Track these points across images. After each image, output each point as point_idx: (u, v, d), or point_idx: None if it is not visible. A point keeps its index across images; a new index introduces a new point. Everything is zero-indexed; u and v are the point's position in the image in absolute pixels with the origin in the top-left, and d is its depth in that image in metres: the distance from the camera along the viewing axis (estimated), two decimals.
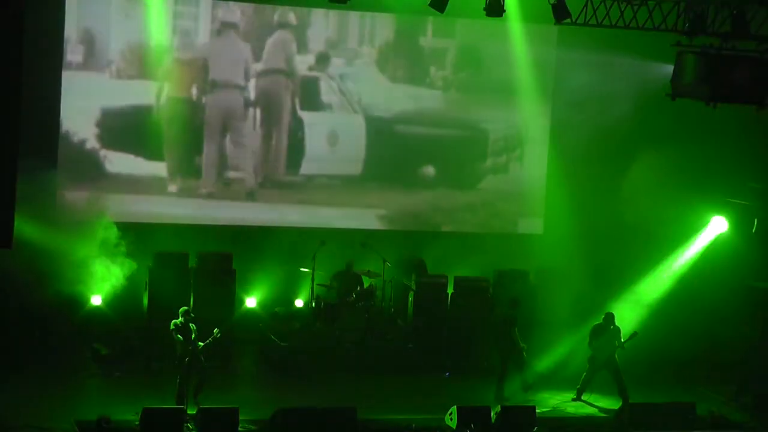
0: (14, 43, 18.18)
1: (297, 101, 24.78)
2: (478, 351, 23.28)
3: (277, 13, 24.39)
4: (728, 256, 23.90)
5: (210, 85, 24.19)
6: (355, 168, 25.29)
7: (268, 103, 24.61)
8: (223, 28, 24.20)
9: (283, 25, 24.52)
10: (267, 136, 24.66)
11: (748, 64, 17.52)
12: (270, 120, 24.65)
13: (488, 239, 25.20)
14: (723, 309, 23.96)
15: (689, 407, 20.97)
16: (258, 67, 24.43)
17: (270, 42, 24.45)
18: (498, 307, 22.79)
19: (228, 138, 24.46)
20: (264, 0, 24.20)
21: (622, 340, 21.68)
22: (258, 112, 24.57)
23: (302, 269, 23.57)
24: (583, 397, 21.94)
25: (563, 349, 22.91)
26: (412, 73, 25.50)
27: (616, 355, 21.69)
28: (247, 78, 24.41)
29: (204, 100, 24.22)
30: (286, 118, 24.75)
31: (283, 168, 24.82)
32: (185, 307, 20.13)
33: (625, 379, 21.71)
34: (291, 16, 24.52)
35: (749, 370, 22.88)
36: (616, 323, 21.83)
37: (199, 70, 24.15)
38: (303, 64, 24.74)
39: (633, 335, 21.68)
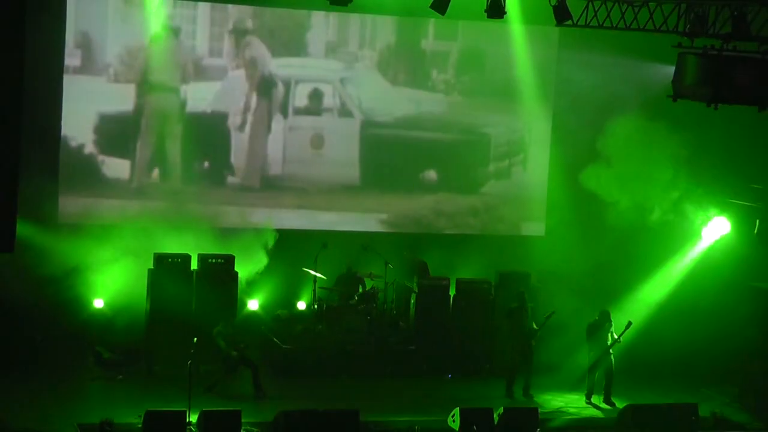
0: (15, 47, 18.20)
1: (295, 106, 24.78)
2: (480, 352, 23.30)
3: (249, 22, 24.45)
4: (730, 257, 23.89)
5: (204, 89, 24.29)
6: (356, 172, 25.28)
7: (263, 107, 24.61)
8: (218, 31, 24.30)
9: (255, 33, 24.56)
10: (265, 140, 24.67)
11: (749, 65, 17.43)
12: (267, 124, 24.65)
13: (490, 241, 25.20)
14: (725, 310, 23.94)
15: (692, 408, 20.94)
16: (248, 70, 24.47)
17: (250, 48, 24.48)
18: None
19: (225, 141, 24.49)
20: (264, 3, 24.22)
21: (616, 335, 21.70)
22: (255, 116, 24.59)
23: (307, 270, 23.53)
24: (592, 399, 21.95)
25: (565, 350, 22.90)
26: (413, 76, 25.49)
27: (611, 352, 21.72)
28: (245, 81, 24.47)
29: (197, 103, 24.25)
30: (283, 122, 24.74)
31: (284, 172, 24.81)
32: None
33: (627, 379, 21.72)
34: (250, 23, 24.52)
35: (752, 371, 22.85)
36: (612, 320, 21.87)
37: (191, 72, 24.22)
38: (302, 67, 24.75)
39: (628, 325, 21.67)
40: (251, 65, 24.50)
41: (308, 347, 22.70)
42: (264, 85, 24.61)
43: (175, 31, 23.94)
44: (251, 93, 24.54)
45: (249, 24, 24.41)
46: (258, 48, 24.49)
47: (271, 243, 23.35)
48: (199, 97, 24.24)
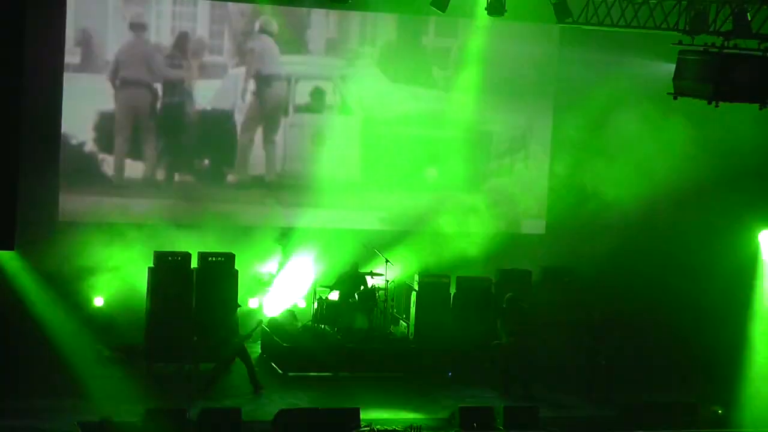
0: (16, 45, 18.19)
1: (296, 104, 24.76)
2: (480, 351, 23.27)
3: (259, 21, 24.41)
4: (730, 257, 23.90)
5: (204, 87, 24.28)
6: (357, 170, 25.27)
7: (263, 104, 24.59)
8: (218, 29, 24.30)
9: (265, 31, 24.50)
10: (265, 137, 24.66)
11: (749, 63, 17.43)
12: (268, 121, 24.64)
13: (491, 239, 25.17)
14: (725, 309, 23.92)
15: (692, 407, 20.94)
16: (248, 68, 24.45)
17: (256, 45, 24.45)
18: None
19: (225, 139, 24.48)
20: (264, 1, 24.20)
21: (614, 335, 21.77)
22: (255, 113, 24.58)
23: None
24: (591, 396, 21.95)
25: (564, 349, 22.88)
26: (414, 73, 25.47)
27: (609, 352, 21.78)
28: (246, 79, 24.45)
29: (200, 101, 24.23)
30: (284, 119, 24.73)
31: (285, 169, 24.81)
32: None
33: (627, 379, 21.70)
34: (273, 24, 24.51)
35: (751, 371, 22.85)
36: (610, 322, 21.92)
37: (192, 71, 24.21)
38: (303, 65, 24.73)
39: (626, 327, 21.76)
40: (251, 63, 24.48)
41: (308, 345, 22.68)
42: (264, 83, 24.59)
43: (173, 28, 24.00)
44: (252, 90, 24.52)
45: (249, 22, 24.38)
46: (258, 46, 24.47)
47: (287, 242, 23.38)
48: (199, 95, 24.22)
